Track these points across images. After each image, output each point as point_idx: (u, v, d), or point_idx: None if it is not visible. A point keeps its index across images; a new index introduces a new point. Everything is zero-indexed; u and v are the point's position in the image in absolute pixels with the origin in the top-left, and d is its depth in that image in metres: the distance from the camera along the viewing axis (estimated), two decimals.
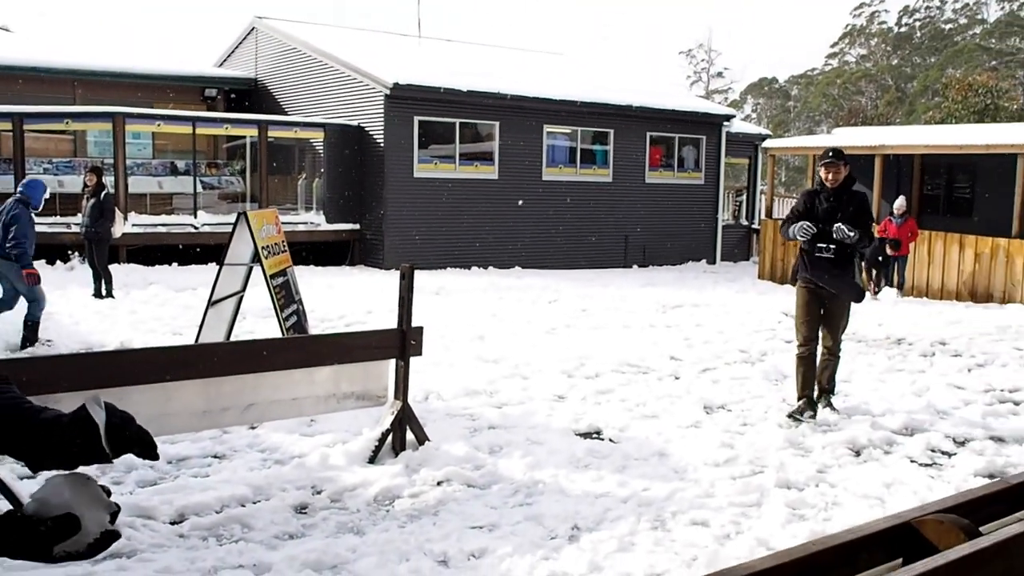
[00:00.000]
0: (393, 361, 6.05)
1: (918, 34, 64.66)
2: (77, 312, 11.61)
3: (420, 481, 5.56)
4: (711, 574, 1.68)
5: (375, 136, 18.97)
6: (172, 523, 4.84)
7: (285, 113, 21.73)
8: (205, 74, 23.94)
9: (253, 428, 6.51)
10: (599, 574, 4.34)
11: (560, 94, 20.75)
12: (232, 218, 17.81)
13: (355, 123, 19.38)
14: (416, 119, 18.90)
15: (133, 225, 16.43)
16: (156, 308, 12.27)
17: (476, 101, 19.48)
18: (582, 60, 29.67)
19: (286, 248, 8.33)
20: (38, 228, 9.84)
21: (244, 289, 8.40)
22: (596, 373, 9.03)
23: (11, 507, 1.52)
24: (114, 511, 1.57)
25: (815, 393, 7.42)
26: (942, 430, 7.15)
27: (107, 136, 18.12)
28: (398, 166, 18.77)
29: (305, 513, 5.08)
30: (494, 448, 6.37)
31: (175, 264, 16.88)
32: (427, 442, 6.09)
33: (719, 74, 65.78)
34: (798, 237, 7.28)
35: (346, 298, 13.81)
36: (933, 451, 6.67)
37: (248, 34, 23.88)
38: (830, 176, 7.25)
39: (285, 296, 7.84)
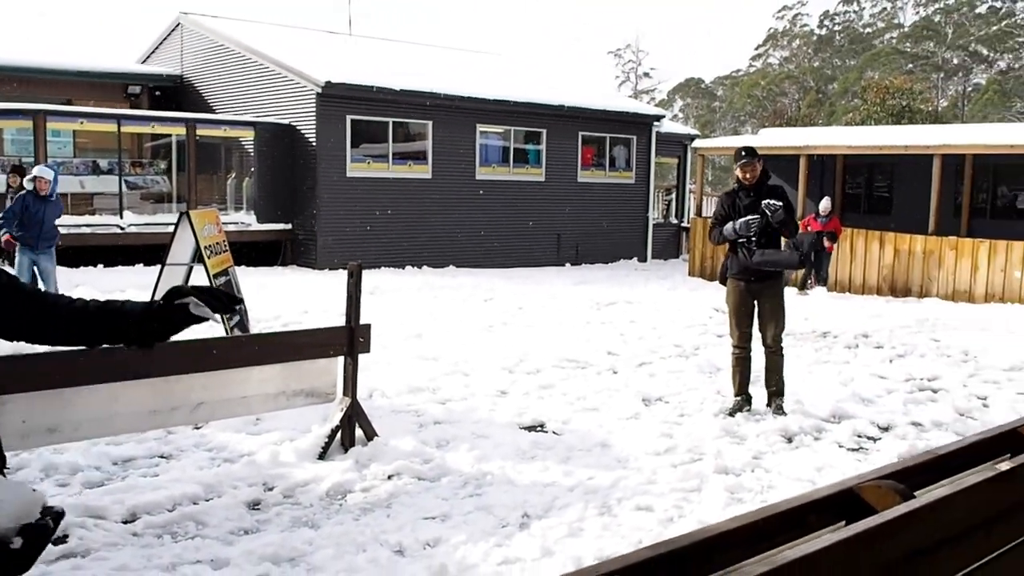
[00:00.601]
0: (341, 358, 6.15)
1: (838, 37, 66.22)
2: None
3: (371, 475, 5.67)
4: (675, 537, 1.85)
5: (307, 135, 18.92)
6: (125, 522, 4.87)
7: (212, 111, 21.48)
8: (128, 71, 23.57)
9: (198, 428, 6.54)
10: (551, 558, 4.51)
11: (493, 94, 20.93)
12: (160, 218, 17.84)
13: (286, 122, 19.28)
14: (349, 118, 18.89)
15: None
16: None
17: (409, 100, 19.53)
18: (515, 60, 29.87)
19: (227, 248, 8.35)
20: None
21: None
22: (536, 369, 9.21)
23: None
24: (55, 512, 1.63)
25: (767, 399, 7.56)
26: (867, 417, 7.48)
27: (27, 134, 17.69)
28: (330, 165, 18.74)
29: (258, 509, 5.16)
30: (441, 442, 6.50)
31: (101, 266, 16.60)
32: (376, 438, 6.20)
33: (646, 74, 66.71)
34: (742, 233, 7.22)
35: (280, 298, 13.76)
36: (859, 436, 6.99)
37: (173, 30, 23.51)
38: (747, 175, 7.42)
39: None
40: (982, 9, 58.13)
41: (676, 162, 27.10)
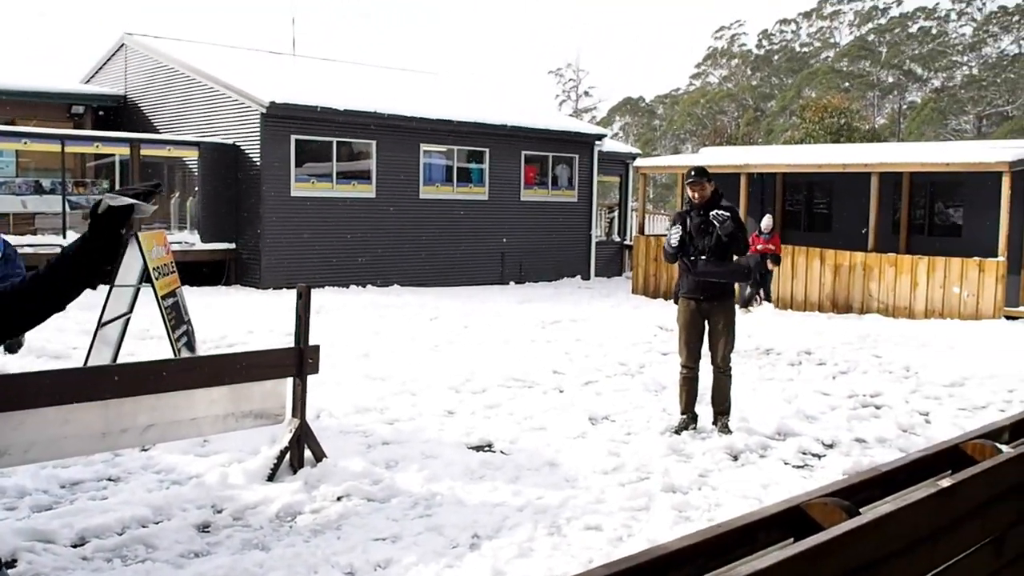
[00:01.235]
0: (290, 379, 6.14)
1: (776, 57, 67.53)
2: None
3: (321, 497, 5.67)
4: (628, 556, 1.91)
5: (251, 155, 18.80)
6: (74, 546, 4.82)
7: (156, 131, 21.28)
8: (72, 91, 23.23)
9: (146, 450, 6.49)
10: None
11: (436, 113, 21.00)
12: None
13: (230, 141, 19.16)
14: (293, 138, 18.82)
15: None
16: (30, 333, 11.89)
17: (353, 120, 19.52)
18: (458, 80, 30.03)
19: (175, 269, 8.29)
20: None
21: (131, 311, 8.32)
22: (483, 388, 9.25)
23: None
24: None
25: (712, 417, 7.66)
26: (811, 434, 7.63)
27: None
28: (275, 185, 18.64)
29: (208, 531, 5.13)
30: (390, 463, 6.51)
31: None
32: (325, 459, 6.19)
33: (586, 93, 67.16)
34: (670, 243, 7.58)
35: (225, 318, 13.65)
36: (804, 453, 7.13)
37: (117, 50, 23.28)
38: (696, 194, 7.59)
39: (176, 317, 7.81)
40: (914, 29, 59.74)
41: (618, 180, 27.42)
